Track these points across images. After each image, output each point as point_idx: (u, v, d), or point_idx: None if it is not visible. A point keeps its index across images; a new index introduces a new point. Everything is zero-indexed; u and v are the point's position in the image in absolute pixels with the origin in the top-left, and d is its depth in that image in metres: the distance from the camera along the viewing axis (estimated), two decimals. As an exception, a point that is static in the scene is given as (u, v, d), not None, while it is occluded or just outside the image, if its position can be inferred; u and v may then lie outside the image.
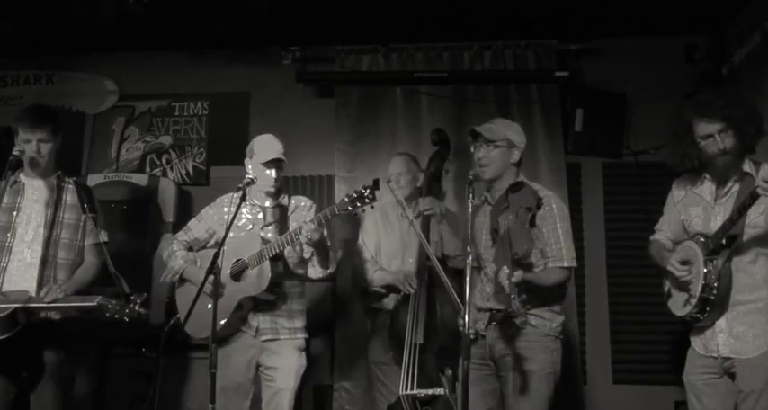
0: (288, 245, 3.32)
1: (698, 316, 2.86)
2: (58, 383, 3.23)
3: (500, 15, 4.41)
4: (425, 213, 3.67)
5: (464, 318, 2.58)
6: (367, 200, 3.09)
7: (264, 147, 3.49)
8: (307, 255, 3.48)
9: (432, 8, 4.33)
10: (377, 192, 3.12)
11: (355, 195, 3.10)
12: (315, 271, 3.48)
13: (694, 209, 2.98)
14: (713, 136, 2.82)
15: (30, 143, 3.27)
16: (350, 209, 3.11)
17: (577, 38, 4.70)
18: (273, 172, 3.44)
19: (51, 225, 3.27)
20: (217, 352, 2.94)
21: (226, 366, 3.31)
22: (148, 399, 4.21)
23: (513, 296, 2.61)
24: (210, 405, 2.88)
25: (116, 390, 4.36)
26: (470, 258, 2.77)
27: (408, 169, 3.97)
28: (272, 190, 3.49)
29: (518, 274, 2.66)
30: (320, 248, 3.36)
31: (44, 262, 3.22)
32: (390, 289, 3.76)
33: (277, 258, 3.33)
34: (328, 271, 3.49)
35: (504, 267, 2.70)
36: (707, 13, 4.33)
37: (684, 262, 2.89)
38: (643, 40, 4.69)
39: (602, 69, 4.75)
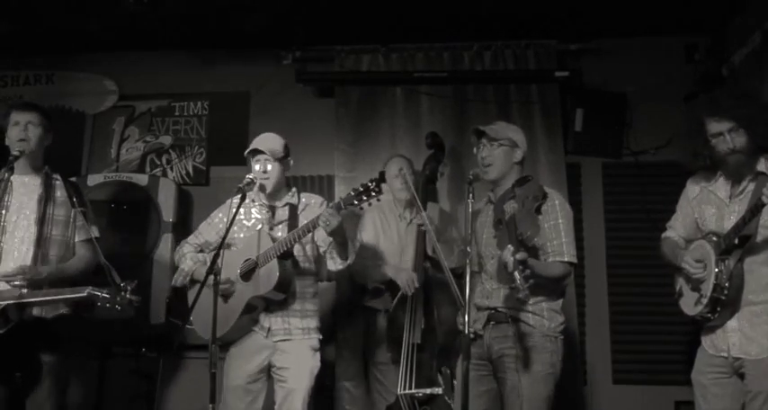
0: (296, 241, 3.26)
1: (709, 315, 2.84)
2: (54, 383, 3.18)
3: (500, 15, 4.40)
4: (420, 228, 3.68)
5: (464, 317, 2.58)
6: (373, 193, 3.03)
7: (254, 142, 3.47)
8: (323, 249, 3.39)
9: (431, 8, 4.33)
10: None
11: (361, 189, 3.05)
12: (334, 262, 3.35)
13: (708, 207, 2.96)
14: (723, 134, 2.82)
15: (17, 125, 3.24)
16: (356, 202, 3.05)
17: (577, 38, 4.70)
18: (258, 165, 3.39)
19: (42, 222, 3.22)
20: (217, 351, 2.93)
21: (237, 366, 3.32)
22: (148, 399, 4.23)
23: (515, 271, 2.60)
24: (210, 406, 2.86)
25: (116, 390, 4.36)
26: (470, 258, 2.79)
27: (410, 168, 4.01)
28: (263, 183, 3.38)
29: (522, 254, 2.64)
30: (338, 236, 3.23)
31: (36, 260, 3.18)
32: (390, 285, 3.75)
33: (286, 256, 3.28)
34: (348, 262, 3.35)
35: (509, 245, 2.69)
36: (707, 13, 4.33)
37: (698, 261, 2.88)
38: (643, 40, 4.69)
39: (602, 69, 4.74)
